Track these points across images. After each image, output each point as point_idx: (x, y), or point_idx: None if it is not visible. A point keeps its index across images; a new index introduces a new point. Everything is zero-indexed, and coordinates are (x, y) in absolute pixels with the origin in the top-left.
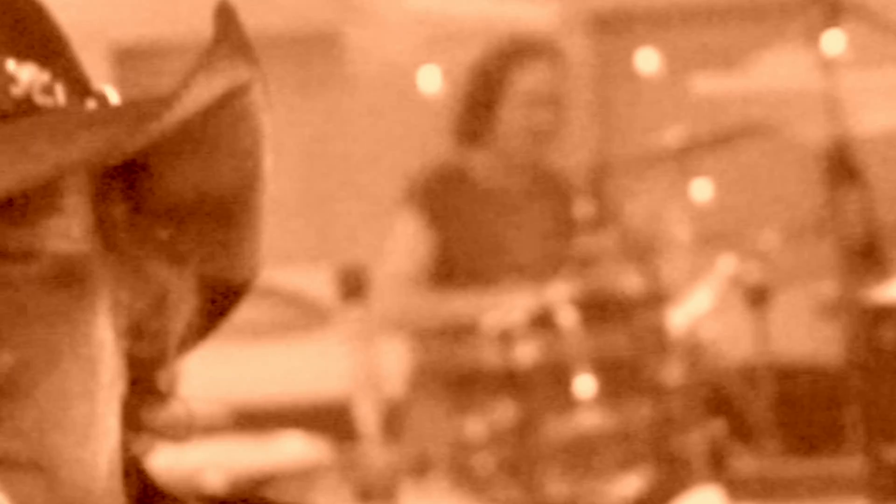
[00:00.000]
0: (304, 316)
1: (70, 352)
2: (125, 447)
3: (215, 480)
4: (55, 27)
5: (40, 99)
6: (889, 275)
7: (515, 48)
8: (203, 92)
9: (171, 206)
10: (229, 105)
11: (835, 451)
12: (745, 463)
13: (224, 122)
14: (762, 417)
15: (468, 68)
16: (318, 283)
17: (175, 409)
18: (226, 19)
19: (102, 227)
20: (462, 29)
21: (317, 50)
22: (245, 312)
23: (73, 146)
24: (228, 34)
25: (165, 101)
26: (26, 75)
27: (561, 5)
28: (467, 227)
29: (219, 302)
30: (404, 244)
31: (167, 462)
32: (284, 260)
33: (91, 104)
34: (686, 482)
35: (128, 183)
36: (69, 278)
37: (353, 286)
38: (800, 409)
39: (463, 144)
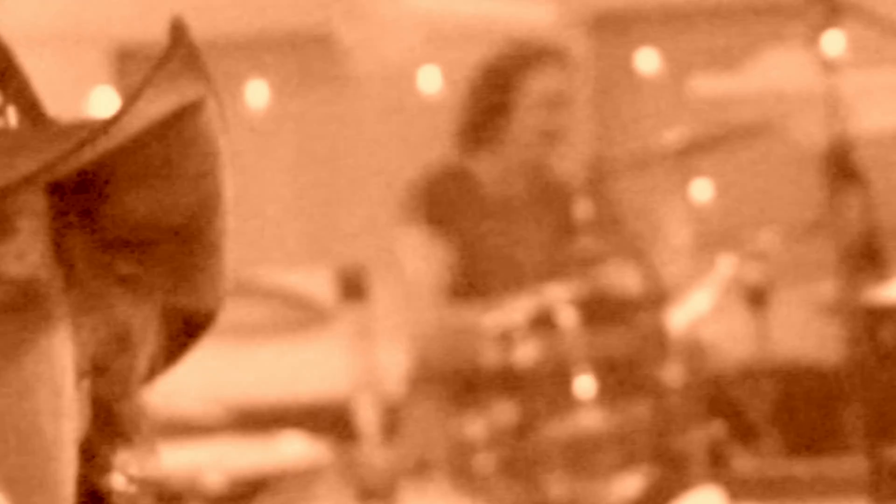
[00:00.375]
0: (304, 316)
1: (32, 378)
2: (87, 485)
3: (215, 480)
4: (6, 50)
5: None
6: (889, 275)
7: (527, 52)
8: (144, 113)
9: (129, 236)
10: (179, 126)
11: (835, 451)
12: (745, 463)
13: (175, 145)
14: (762, 417)
15: (475, 72)
16: (318, 284)
17: (140, 447)
18: (176, 35)
19: (62, 257)
20: (462, 29)
21: (316, 50)
22: (245, 313)
23: (8, 170)
24: (178, 49)
25: (103, 124)
26: None
27: (561, 5)
28: (470, 233)
29: (182, 332)
30: (420, 259)
31: (167, 462)
32: (284, 261)
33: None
34: (686, 482)
35: (85, 212)
36: (26, 303)
37: (354, 287)
38: (800, 409)
39: (466, 149)
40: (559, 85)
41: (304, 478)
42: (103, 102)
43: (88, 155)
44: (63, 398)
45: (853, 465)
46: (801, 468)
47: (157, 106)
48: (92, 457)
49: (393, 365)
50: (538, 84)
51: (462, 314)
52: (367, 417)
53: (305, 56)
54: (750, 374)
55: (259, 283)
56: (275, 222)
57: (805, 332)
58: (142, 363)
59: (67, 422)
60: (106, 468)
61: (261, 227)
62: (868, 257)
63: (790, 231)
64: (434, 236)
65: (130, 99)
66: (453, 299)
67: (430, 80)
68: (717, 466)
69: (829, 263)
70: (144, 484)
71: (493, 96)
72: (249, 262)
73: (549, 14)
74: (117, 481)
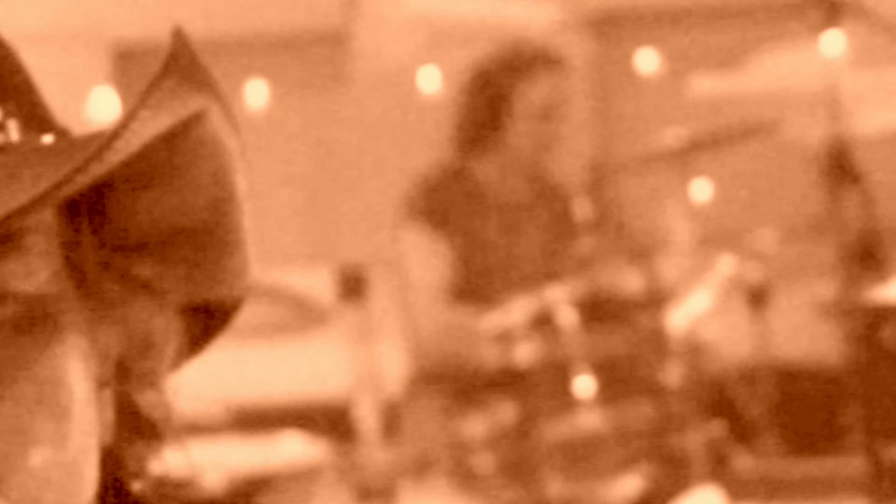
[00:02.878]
0: (304, 316)
1: (32, 394)
2: (117, 487)
3: (215, 480)
4: (14, 64)
5: None
6: (889, 275)
7: (520, 59)
8: (139, 134)
9: (144, 240)
10: (185, 136)
11: (835, 451)
12: (745, 463)
13: (183, 154)
14: (762, 417)
15: (470, 76)
16: (318, 283)
17: (167, 446)
18: (177, 46)
19: (74, 269)
20: (462, 29)
21: (316, 50)
22: (245, 312)
23: (7, 193)
24: (176, 63)
25: (97, 149)
26: None
27: (561, 5)
28: (470, 233)
29: (206, 323)
30: (423, 261)
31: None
32: (284, 260)
33: (47, 140)
34: (686, 482)
35: (97, 222)
36: (35, 321)
37: (353, 287)
38: (800, 409)
39: (465, 150)
40: (553, 93)
41: (303, 478)
42: (103, 102)
43: (83, 180)
44: (71, 419)
45: (853, 465)
46: (801, 468)
47: (153, 125)
48: (120, 460)
49: (393, 365)
50: (533, 93)
51: (462, 316)
52: (367, 417)
53: (305, 56)
54: (750, 374)
55: (259, 283)
56: (274, 222)
57: (805, 332)
58: (165, 365)
59: (77, 440)
60: (135, 471)
61: (260, 227)
62: (868, 257)
63: (790, 231)
64: (434, 237)
65: (125, 120)
66: (453, 300)
67: (430, 80)
68: (717, 466)
69: (829, 263)
70: (172, 483)
71: (487, 105)
72: (247, 238)
73: (549, 14)
74: (146, 482)
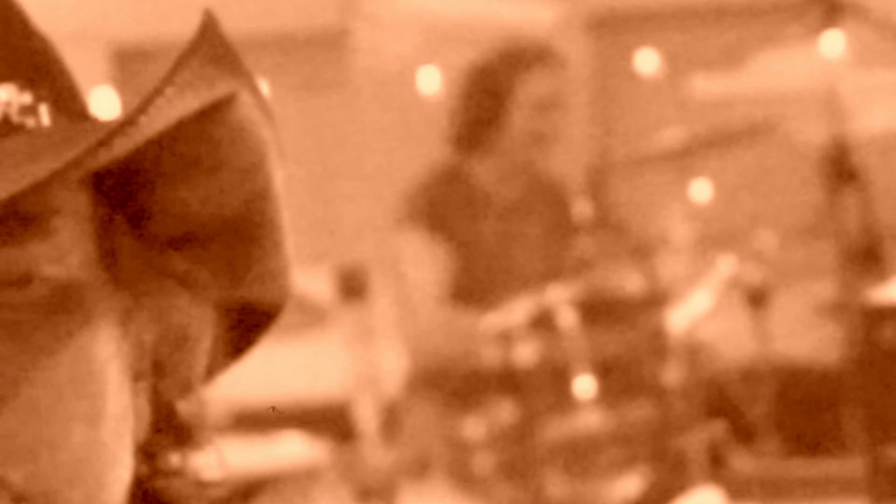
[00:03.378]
0: (303, 316)
1: (65, 375)
2: (146, 486)
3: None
4: (46, 49)
5: (18, 119)
6: (889, 275)
7: (518, 54)
8: (165, 113)
9: (181, 233)
10: (215, 122)
11: (835, 452)
12: (744, 463)
13: (216, 139)
14: (762, 417)
15: (468, 73)
16: (318, 284)
17: (201, 447)
18: (206, 28)
19: (108, 258)
20: (462, 29)
21: (316, 50)
22: None
23: (32, 168)
24: (204, 44)
25: (131, 116)
26: (3, 96)
27: (560, 5)
28: (469, 234)
29: (247, 326)
30: (420, 263)
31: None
32: None
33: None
34: (686, 482)
35: (133, 214)
36: (66, 305)
37: (353, 287)
38: (800, 409)
39: (463, 150)
40: (552, 87)
41: (303, 478)
42: (103, 102)
43: (105, 155)
44: (104, 401)
45: (852, 465)
46: (801, 468)
47: (180, 105)
48: (153, 458)
49: (392, 365)
50: (531, 88)
51: (460, 317)
52: (367, 417)
53: (305, 56)
54: (750, 374)
55: None
56: None
57: (805, 332)
58: (201, 360)
59: (111, 424)
60: (167, 470)
61: None
62: (868, 257)
63: (790, 231)
64: (433, 239)
65: (150, 97)
66: (452, 301)
67: (430, 80)
68: (716, 466)
69: (829, 263)
70: (203, 484)
71: (485, 100)
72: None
73: (549, 14)
74: (177, 483)
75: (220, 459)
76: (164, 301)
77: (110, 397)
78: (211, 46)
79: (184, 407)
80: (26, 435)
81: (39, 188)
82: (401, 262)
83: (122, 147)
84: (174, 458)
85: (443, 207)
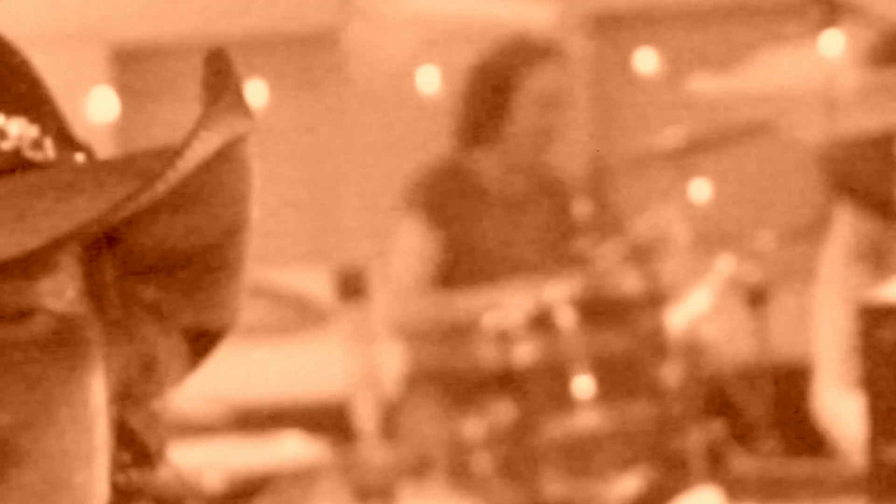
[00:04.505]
0: (303, 316)
1: (68, 414)
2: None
3: (214, 480)
4: (40, 81)
5: (30, 154)
6: (889, 275)
7: (523, 49)
8: (204, 148)
9: (155, 263)
10: (224, 159)
11: (834, 452)
12: (744, 463)
13: (218, 176)
14: (762, 417)
15: (472, 68)
16: (318, 284)
17: (165, 472)
18: (222, 68)
19: (93, 289)
20: (462, 29)
21: (316, 50)
22: (245, 313)
23: (72, 210)
24: (227, 86)
25: (168, 159)
26: (15, 129)
27: (561, 5)
28: (468, 228)
29: (197, 349)
30: (410, 249)
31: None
32: (284, 260)
33: (79, 158)
34: (685, 482)
35: (113, 243)
36: (65, 340)
37: (353, 287)
38: (800, 409)
39: (465, 144)
40: (556, 84)
41: (303, 478)
42: (102, 102)
43: (159, 192)
44: (98, 436)
45: (852, 465)
46: (801, 468)
47: (211, 143)
48: (118, 483)
49: (391, 365)
50: (535, 83)
51: (448, 299)
52: (366, 417)
53: (305, 56)
54: (749, 374)
55: (258, 283)
56: (274, 222)
57: (805, 332)
58: (166, 387)
59: (101, 459)
60: (127, 490)
61: (260, 227)
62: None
63: (789, 231)
64: (428, 229)
65: (188, 140)
66: (448, 289)
67: (430, 80)
68: (716, 466)
69: None
70: (155, 495)
71: (489, 95)
72: (248, 261)
73: (549, 14)
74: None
75: (167, 469)
76: (134, 328)
77: (100, 431)
78: (231, 85)
79: (141, 427)
80: (31, 475)
81: (85, 231)
82: (392, 246)
83: (161, 188)
84: (131, 477)
85: (442, 198)
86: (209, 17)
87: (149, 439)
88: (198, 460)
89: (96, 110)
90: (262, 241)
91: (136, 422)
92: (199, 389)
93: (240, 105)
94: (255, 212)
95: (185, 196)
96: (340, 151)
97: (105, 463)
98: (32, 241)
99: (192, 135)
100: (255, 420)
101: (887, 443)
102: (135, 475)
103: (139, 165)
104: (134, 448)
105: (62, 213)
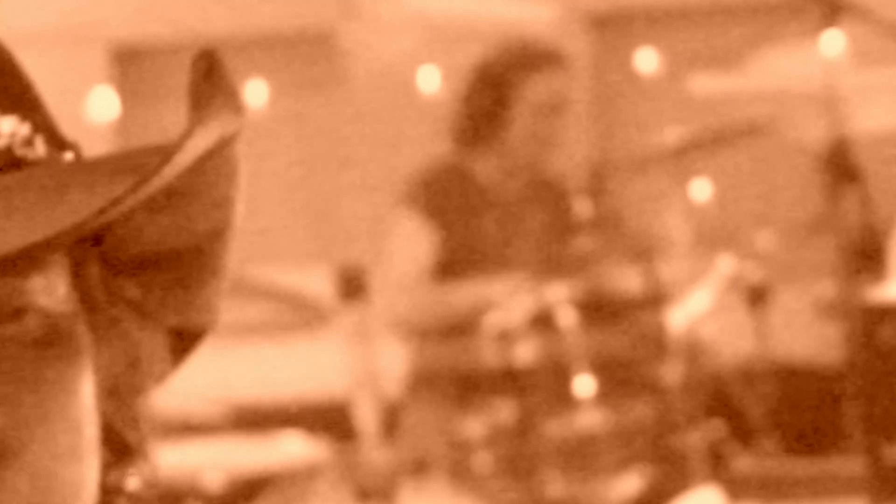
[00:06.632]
0: (304, 316)
1: (59, 413)
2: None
3: (214, 480)
4: (29, 80)
5: (21, 151)
6: (889, 275)
7: (524, 56)
8: (199, 144)
9: (140, 261)
10: (215, 157)
11: (835, 451)
12: (744, 463)
13: (207, 175)
14: (762, 417)
15: (473, 71)
16: (318, 283)
17: (145, 470)
18: (213, 66)
19: (80, 287)
20: (462, 29)
21: (316, 50)
22: (245, 313)
23: (69, 206)
24: (219, 84)
25: (164, 155)
26: (7, 127)
27: (561, 5)
28: (466, 228)
29: (178, 348)
30: (406, 245)
31: (167, 462)
32: (284, 260)
33: (68, 156)
34: (686, 482)
35: (99, 241)
36: (57, 338)
37: (353, 286)
38: (800, 409)
39: (464, 146)
40: (556, 90)
41: (303, 477)
42: (102, 102)
43: (142, 196)
44: (87, 434)
45: (852, 465)
46: (801, 468)
47: (206, 140)
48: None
49: (392, 364)
50: (535, 90)
51: (447, 291)
52: (367, 417)
53: (305, 56)
54: (750, 374)
55: (258, 283)
56: (274, 222)
57: (805, 332)
58: (150, 384)
59: (90, 457)
60: (109, 487)
61: (260, 227)
62: (868, 257)
63: (790, 231)
64: (424, 227)
65: (183, 136)
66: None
67: (430, 80)
68: (716, 466)
69: (829, 263)
70: (144, 496)
71: (489, 101)
72: (249, 261)
73: (549, 14)
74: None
75: (153, 469)
76: (117, 326)
77: (90, 429)
78: (223, 83)
79: (125, 425)
80: (23, 474)
81: (80, 230)
82: (389, 242)
83: (157, 185)
84: (115, 476)
85: (440, 197)
86: (209, 17)
87: (131, 437)
88: (198, 460)
89: (96, 110)
90: (262, 240)
91: (118, 420)
92: (199, 389)
93: (233, 103)
94: (241, 212)
95: (175, 194)
96: (340, 151)
97: (95, 461)
98: (29, 238)
99: (189, 130)
100: (255, 420)
101: (887, 443)
102: (116, 473)
103: (131, 162)
104: (116, 446)
105: (59, 210)
